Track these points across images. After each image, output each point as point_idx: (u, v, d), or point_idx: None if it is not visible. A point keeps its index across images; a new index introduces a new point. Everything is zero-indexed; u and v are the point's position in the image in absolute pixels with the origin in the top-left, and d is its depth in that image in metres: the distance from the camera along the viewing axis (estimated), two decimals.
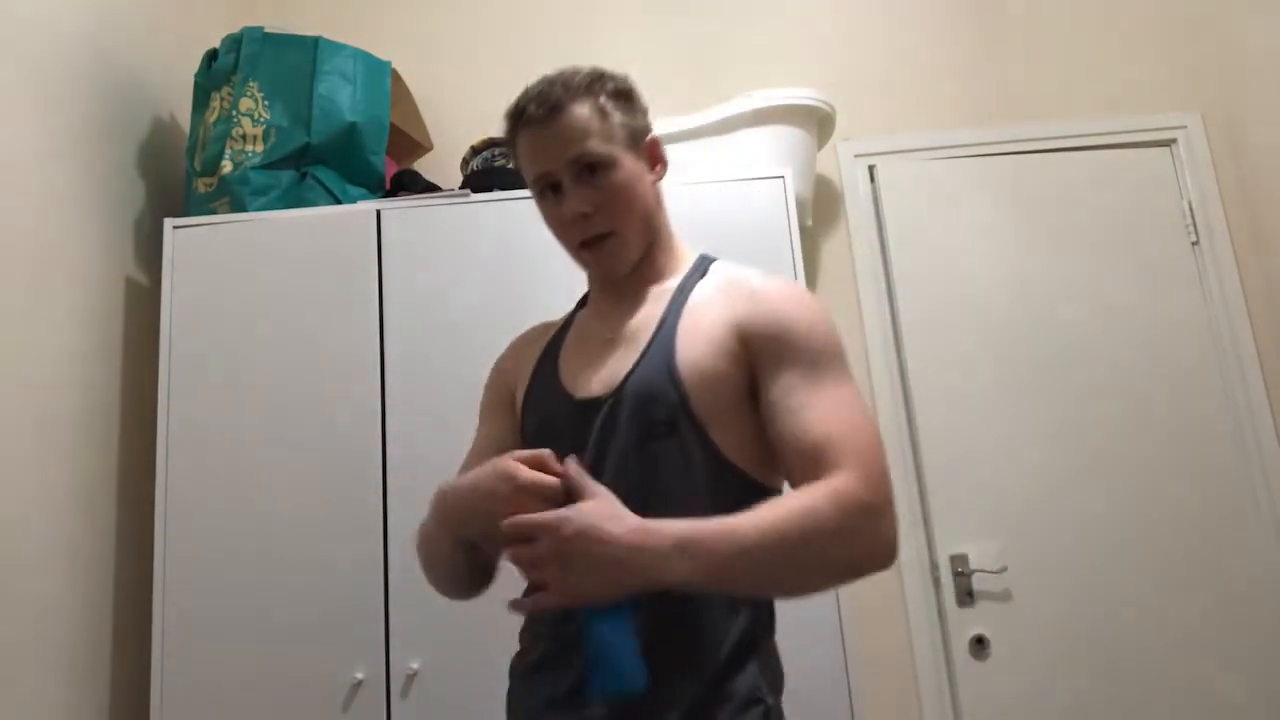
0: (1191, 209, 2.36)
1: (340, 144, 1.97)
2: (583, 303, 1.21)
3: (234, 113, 1.92)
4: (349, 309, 1.81)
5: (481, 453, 1.13)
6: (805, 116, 2.14)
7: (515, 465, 0.88)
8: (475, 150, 2.03)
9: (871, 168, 2.42)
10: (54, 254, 1.67)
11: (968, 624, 2.12)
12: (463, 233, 1.85)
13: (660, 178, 1.11)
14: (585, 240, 1.05)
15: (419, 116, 2.35)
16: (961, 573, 2.13)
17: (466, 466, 1.13)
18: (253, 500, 1.72)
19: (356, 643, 1.66)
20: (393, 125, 2.12)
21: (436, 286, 1.82)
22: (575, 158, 1.01)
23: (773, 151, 2.06)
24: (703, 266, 1.10)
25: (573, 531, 0.80)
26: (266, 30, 1.97)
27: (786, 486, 0.97)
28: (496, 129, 2.23)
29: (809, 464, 0.90)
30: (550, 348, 1.15)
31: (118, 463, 1.80)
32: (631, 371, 1.00)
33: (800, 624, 1.63)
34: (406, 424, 1.75)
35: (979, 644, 2.11)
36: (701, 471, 0.96)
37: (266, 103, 1.94)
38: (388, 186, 2.04)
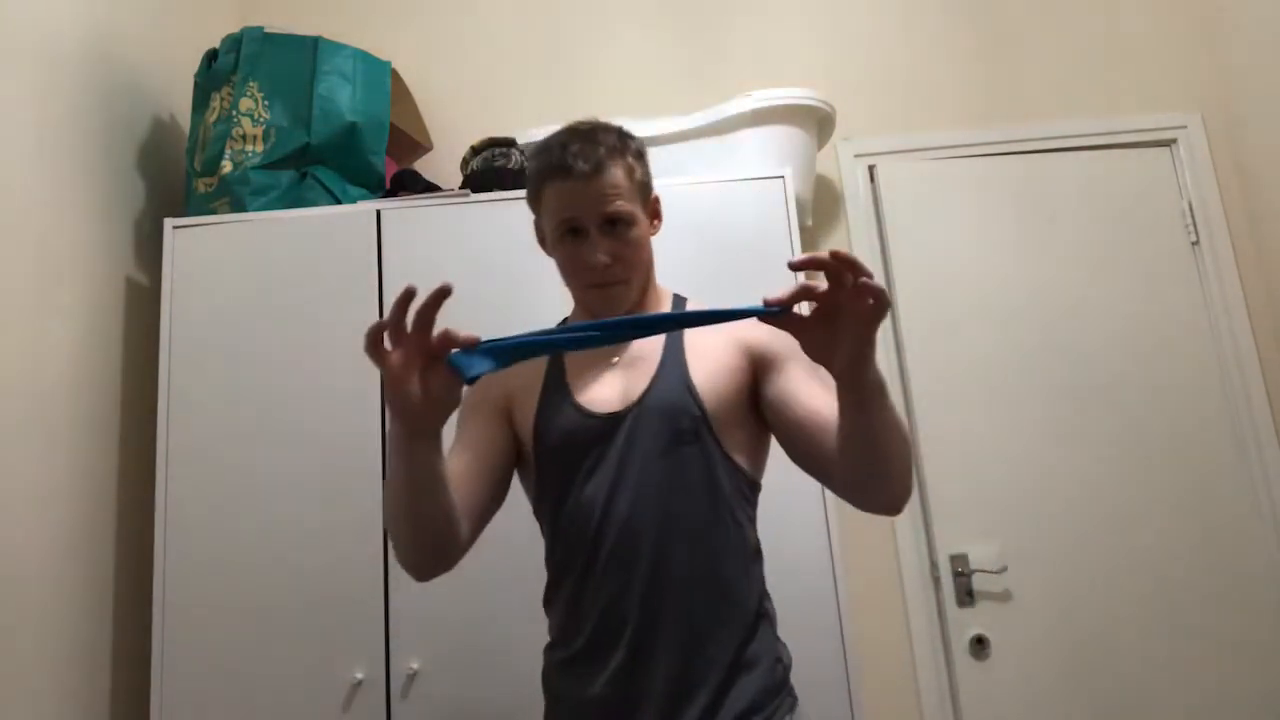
0: (1191, 209, 2.36)
1: (340, 144, 1.97)
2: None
3: (234, 113, 1.92)
4: (349, 309, 1.81)
5: (472, 449, 1.19)
6: (805, 116, 2.14)
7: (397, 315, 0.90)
8: (475, 150, 2.03)
9: (871, 168, 2.42)
10: (54, 254, 1.67)
11: (968, 624, 2.12)
12: (463, 233, 1.85)
13: (657, 231, 1.25)
14: (598, 283, 1.17)
15: (419, 116, 2.35)
16: (961, 573, 2.13)
17: (453, 455, 1.19)
18: (253, 500, 1.72)
19: (356, 643, 1.66)
20: (393, 125, 2.12)
21: (436, 286, 1.82)
22: (609, 215, 1.14)
23: (773, 151, 2.06)
24: (681, 304, 1.29)
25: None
26: (266, 30, 1.97)
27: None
28: (496, 129, 2.25)
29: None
30: (552, 372, 1.25)
31: (118, 463, 1.80)
32: (650, 388, 1.16)
33: (801, 623, 1.63)
34: None
35: (979, 644, 2.11)
36: (718, 471, 1.14)
37: (266, 103, 1.94)
38: (388, 186, 2.04)
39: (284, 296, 1.82)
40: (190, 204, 1.95)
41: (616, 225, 1.15)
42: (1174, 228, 2.35)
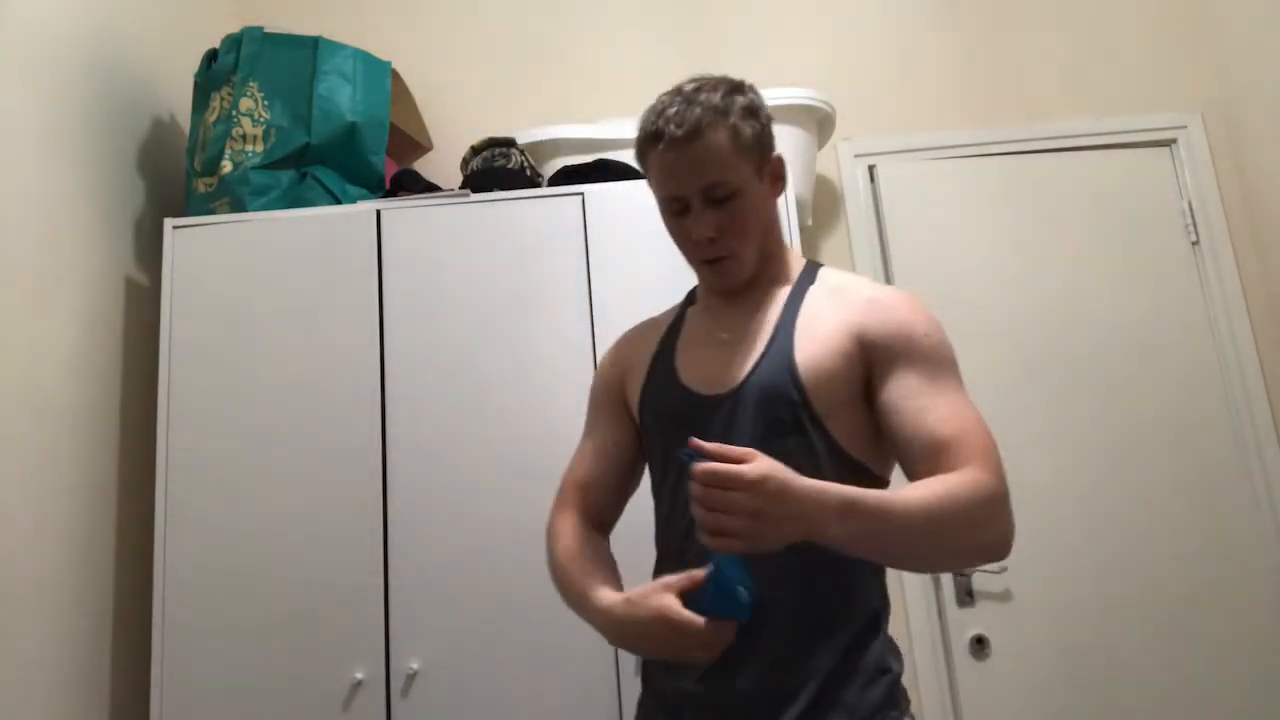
0: (1191, 209, 2.36)
1: (340, 144, 1.97)
2: (690, 299, 1.26)
3: (234, 113, 1.91)
4: (349, 309, 1.81)
5: (602, 452, 1.22)
6: (805, 116, 2.14)
7: (680, 621, 0.92)
8: (475, 150, 2.03)
9: (871, 168, 2.42)
10: (54, 254, 1.67)
11: (968, 624, 2.12)
12: (463, 233, 1.85)
13: (779, 194, 1.15)
14: (705, 259, 1.11)
15: (419, 116, 2.35)
16: (961, 572, 2.13)
17: (573, 469, 1.23)
18: (253, 500, 1.72)
19: (356, 643, 1.66)
20: (393, 125, 2.12)
21: (436, 286, 1.82)
22: (708, 187, 1.06)
23: None
24: (812, 273, 1.16)
25: (775, 488, 0.84)
26: (266, 30, 1.97)
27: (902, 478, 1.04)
28: (496, 129, 2.25)
29: (934, 459, 0.98)
30: (664, 345, 1.20)
31: (118, 463, 1.80)
32: (753, 370, 1.07)
33: None
34: (406, 424, 1.75)
35: (979, 644, 2.11)
36: (825, 463, 1.03)
37: (266, 103, 1.94)
38: (388, 186, 2.04)
39: (284, 296, 1.82)
40: (190, 204, 1.95)
41: (720, 196, 1.06)
42: (1174, 228, 2.35)
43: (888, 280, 2.33)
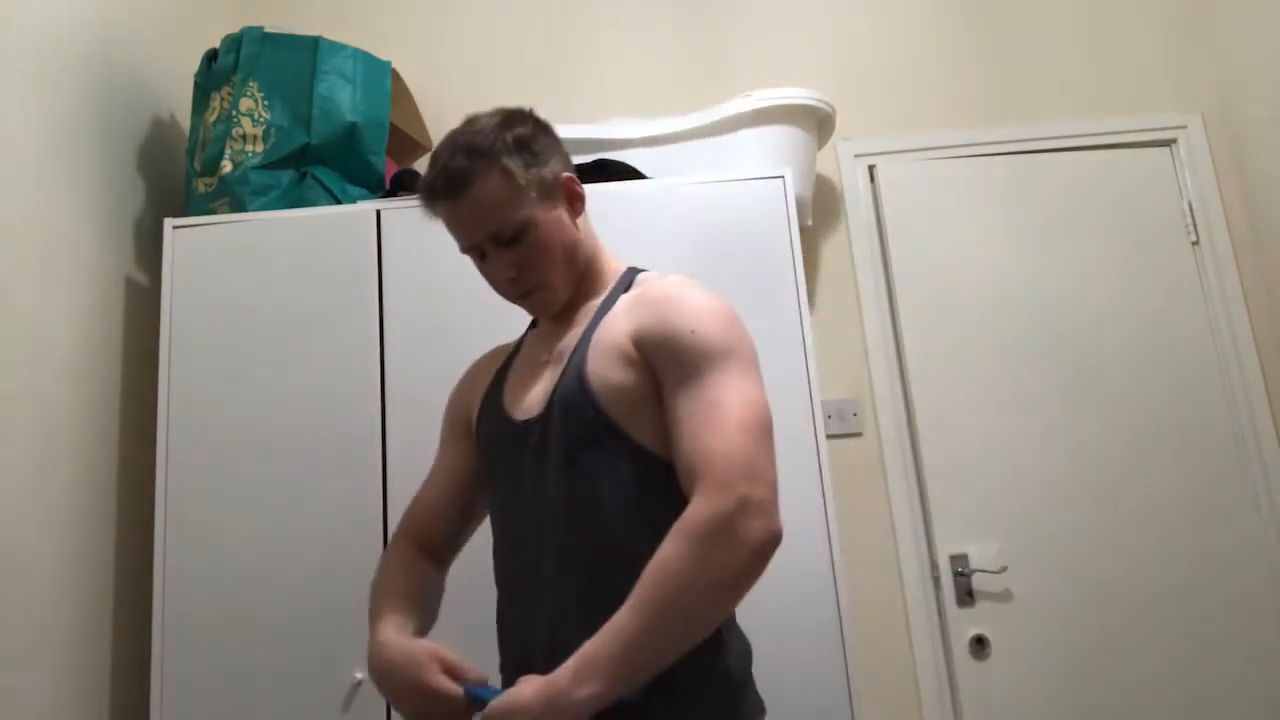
0: (1191, 209, 2.36)
1: (340, 144, 1.97)
2: (535, 323, 1.27)
3: (234, 113, 1.91)
4: (349, 309, 1.81)
5: (440, 480, 1.23)
6: (805, 116, 2.14)
7: (432, 686, 0.95)
8: None
9: (871, 168, 2.42)
10: (54, 254, 1.67)
11: (968, 624, 2.12)
12: None
13: (580, 213, 1.14)
14: (515, 296, 1.11)
15: (419, 116, 2.35)
16: (961, 573, 2.13)
17: (425, 487, 1.25)
18: (253, 499, 1.72)
19: (356, 643, 1.66)
20: (393, 125, 2.12)
21: (436, 286, 1.82)
22: (493, 234, 1.05)
23: (773, 151, 2.06)
24: (627, 280, 1.15)
25: (538, 711, 0.86)
26: (266, 30, 1.97)
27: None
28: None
29: (689, 489, 0.94)
30: (501, 372, 1.22)
31: (118, 463, 1.80)
32: (554, 390, 1.06)
33: (801, 623, 1.63)
34: (406, 423, 1.75)
35: (979, 644, 2.11)
36: (631, 474, 1.01)
37: (266, 103, 1.93)
38: (388, 186, 2.04)
39: (284, 296, 1.82)
40: (190, 204, 1.95)
41: (509, 237, 1.05)
42: (1174, 228, 2.35)
43: (888, 280, 2.33)
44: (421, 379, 1.77)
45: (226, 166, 1.89)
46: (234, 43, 1.96)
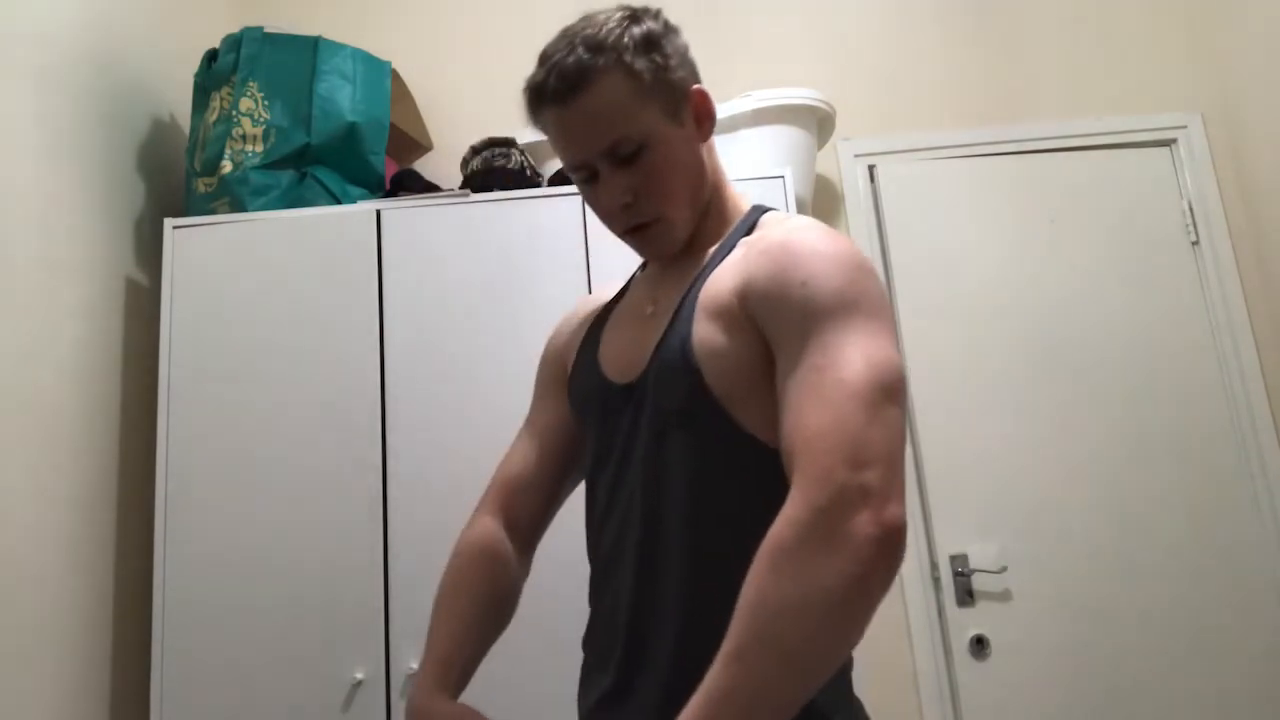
0: (1191, 209, 2.36)
1: (340, 144, 1.97)
2: (644, 264, 1.08)
3: (234, 113, 1.91)
4: (349, 309, 1.81)
5: (528, 444, 1.08)
6: (805, 116, 2.14)
7: None
8: (475, 150, 2.03)
9: (871, 168, 2.42)
10: (54, 254, 1.67)
11: (968, 624, 2.12)
12: (463, 233, 1.85)
13: (708, 136, 0.95)
14: (630, 228, 0.93)
15: (419, 116, 2.35)
16: (961, 573, 2.13)
17: (503, 463, 1.09)
18: (253, 500, 1.72)
19: (356, 643, 1.66)
20: (393, 125, 2.12)
21: (436, 286, 1.82)
22: (610, 146, 0.88)
23: (773, 151, 2.06)
24: (751, 221, 0.95)
25: None
26: (266, 30, 1.97)
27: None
28: (497, 129, 2.25)
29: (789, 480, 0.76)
30: (597, 321, 1.05)
31: (118, 463, 1.80)
32: (655, 352, 0.89)
33: None
34: (406, 423, 1.75)
35: (979, 644, 2.11)
36: (724, 465, 0.84)
37: (266, 103, 1.94)
38: (388, 186, 2.04)
39: (284, 296, 1.82)
40: (190, 204, 1.95)
41: (627, 153, 0.88)
42: (1174, 228, 2.35)
43: (888, 280, 2.33)
44: (421, 379, 1.77)
45: (226, 166, 1.89)
46: (234, 43, 1.96)
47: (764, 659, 0.66)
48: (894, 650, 2.14)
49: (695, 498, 0.85)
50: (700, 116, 0.93)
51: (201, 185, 1.93)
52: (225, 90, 1.94)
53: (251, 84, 1.93)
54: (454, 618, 0.98)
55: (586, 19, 0.92)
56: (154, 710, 1.63)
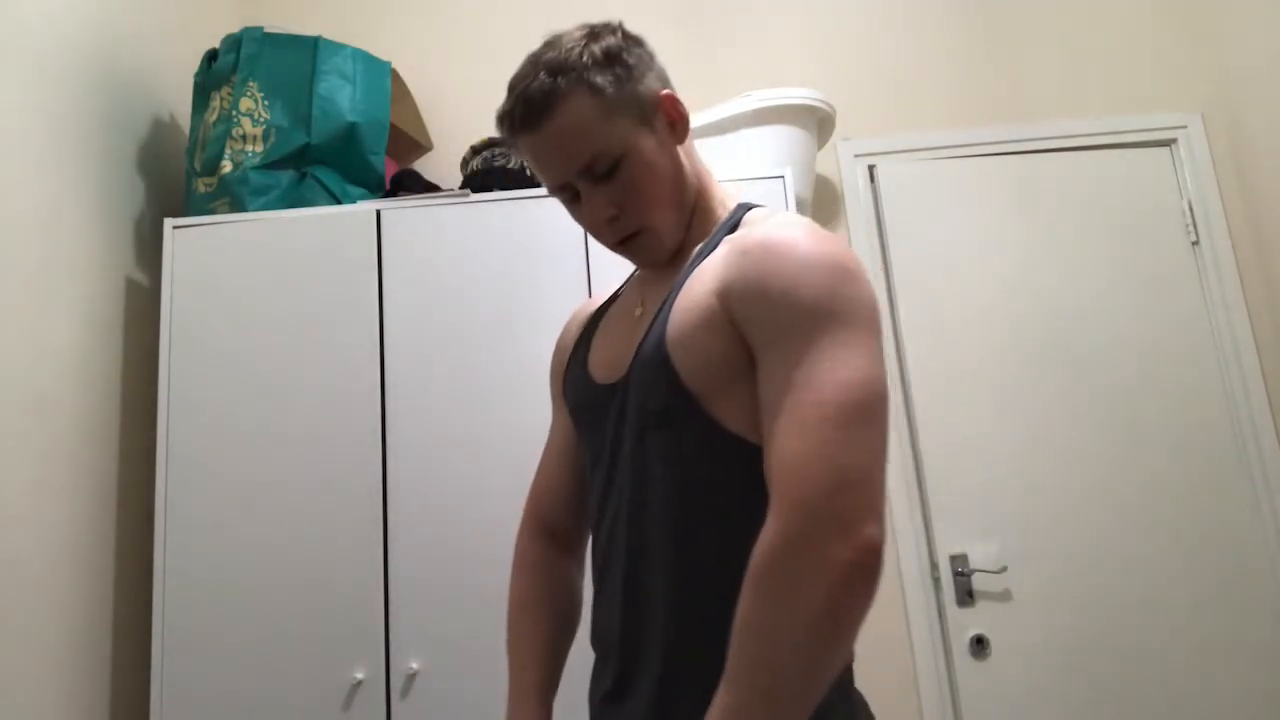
0: (1191, 209, 2.36)
1: (340, 144, 1.97)
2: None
3: (234, 113, 1.92)
4: (349, 309, 1.81)
5: (553, 457, 1.13)
6: (805, 116, 2.14)
7: None
8: (475, 150, 2.03)
9: (871, 168, 2.42)
10: (54, 254, 1.67)
11: (968, 624, 2.12)
12: (463, 233, 1.85)
13: (683, 138, 0.96)
14: (617, 241, 0.95)
15: (419, 116, 2.35)
16: (961, 573, 2.13)
17: (535, 477, 1.15)
18: (253, 500, 1.72)
19: (356, 643, 1.66)
20: (393, 125, 2.12)
21: (436, 286, 1.82)
22: (586, 165, 0.89)
23: (773, 151, 2.06)
24: (735, 219, 0.95)
25: None
26: (266, 30, 1.97)
27: None
28: (496, 129, 2.25)
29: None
30: (591, 324, 1.07)
31: (118, 462, 1.80)
32: (637, 352, 0.91)
33: None
34: (406, 424, 1.75)
35: (979, 644, 2.11)
36: (705, 463, 0.85)
37: (266, 103, 1.94)
38: (388, 186, 2.04)
39: (284, 296, 1.82)
40: (190, 204, 1.95)
41: (604, 169, 0.89)
42: (1174, 228, 2.35)
43: (888, 281, 2.33)
44: (421, 379, 1.77)
45: (226, 166, 1.89)
46: (234, 43, 1.96)
47: (757, 680, 0.70)
48: (894, 650, 2.14)
49: (678, 495, 0.86)
50: (672, 120, 0.94)
51: (201, 185, 1.93)
52: (225, 90, 1.94)
53: (251, 84, 1.94)
54: (528, 641, 1.04)
55: (549, 43, 0.94)
56: (154, 710, 1.63)
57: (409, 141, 2.29)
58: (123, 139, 1.93)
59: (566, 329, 1.15)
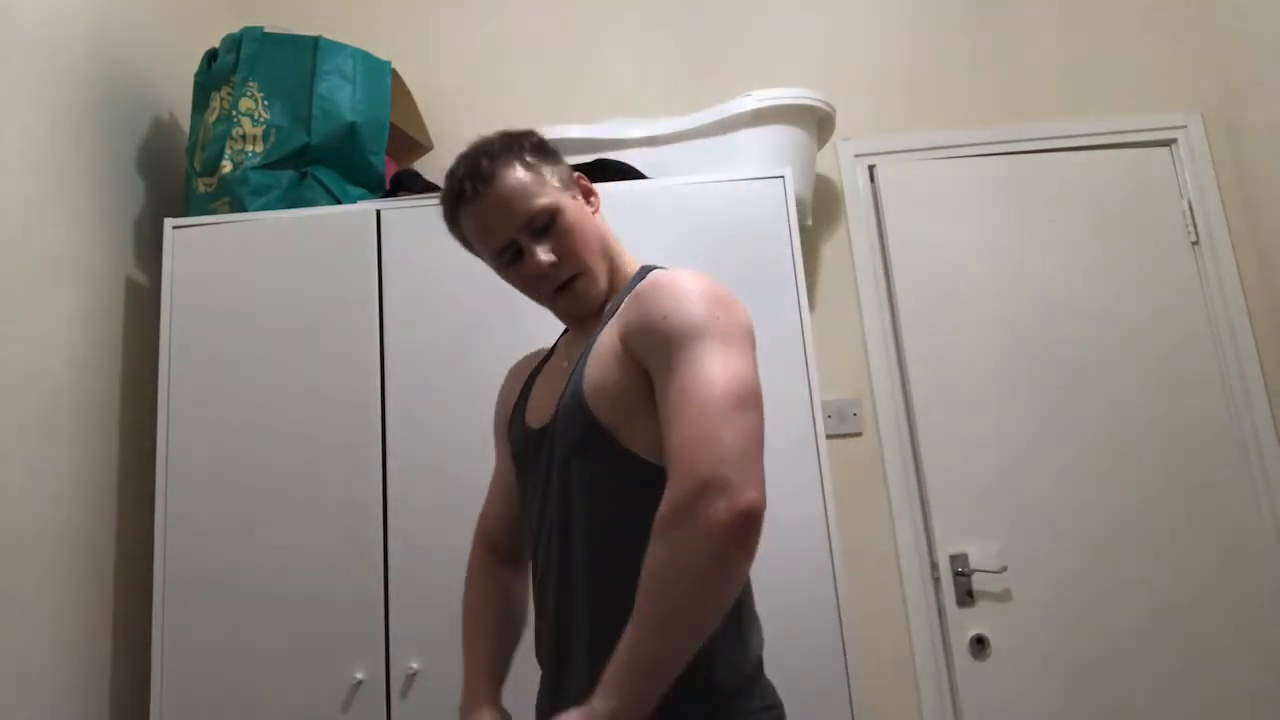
0: (1191, 209, 2.36)
1: (340, 144, 1.97)
2: (567, 329, 1.28)
3: (234, 113, 1.92)
4: (349, 309, 1.81)
5: (497, 490, 1.30)
6: (805, 116, 2.14)
7: None
8: None
9: (871, 168, 2.42)
10: (54, 254, 1.67)
11: (968, 624, 2.12)
12: None
13: (597, 209, 1.16)
14: (559, 286, 1.10)
15: (419, 116, 2.35)
16: (961, 573, 2.13)
17: (488, 496, 1.32)
18: (253, 500, 1.72)
19: (356, 643, 1.66)
20: (393, 125, 2.12)
21: (436, 286, 1.82)
22: (527, 221, 1.06)
23: (773, 151, 2.06)
24: (638, 278, 1.12)
25: None
26: (266, 30, 1.97)
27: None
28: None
29: None
30: (530, 379, 1.24)
31: (118, 462, 1.80)
32: (560, 397, 1.07)
33: (800, 623, 1.63)
34: (406, 423, 1.75)
35: (979, 644, 2.11)
36: (621, 483, 1.00)
37: (266, 103, 1.94)
38: (388, 186, 2.04)
39: (284, 296, 1.82)
40: (190, 204, 1.95)
41: (548, 225, 1.07)
42: (1174, 228, 2.35)
43: (888, 281, 2.33)
44: (421, 379, 1.77)
45: (226, 166, 1.90)
46: (234, 43, 1.96)
47: (652, 619, 0.86)
48: (894, 650, 2.14)
49: (595, 513, 1.01)
50: (586, 194, 1.15)
51: (201, 185, 1.93)
52: (225, 90, 1.94)
53: (251, 84, 1.94)
54: (478, 636, 1.19)
55: (477, 144, 1.13)
56: (154, 710, 1.63)
57: (409, 141, 2.29)
58: (123, 139, 1.93)
59: (506, 384, 1.33)
